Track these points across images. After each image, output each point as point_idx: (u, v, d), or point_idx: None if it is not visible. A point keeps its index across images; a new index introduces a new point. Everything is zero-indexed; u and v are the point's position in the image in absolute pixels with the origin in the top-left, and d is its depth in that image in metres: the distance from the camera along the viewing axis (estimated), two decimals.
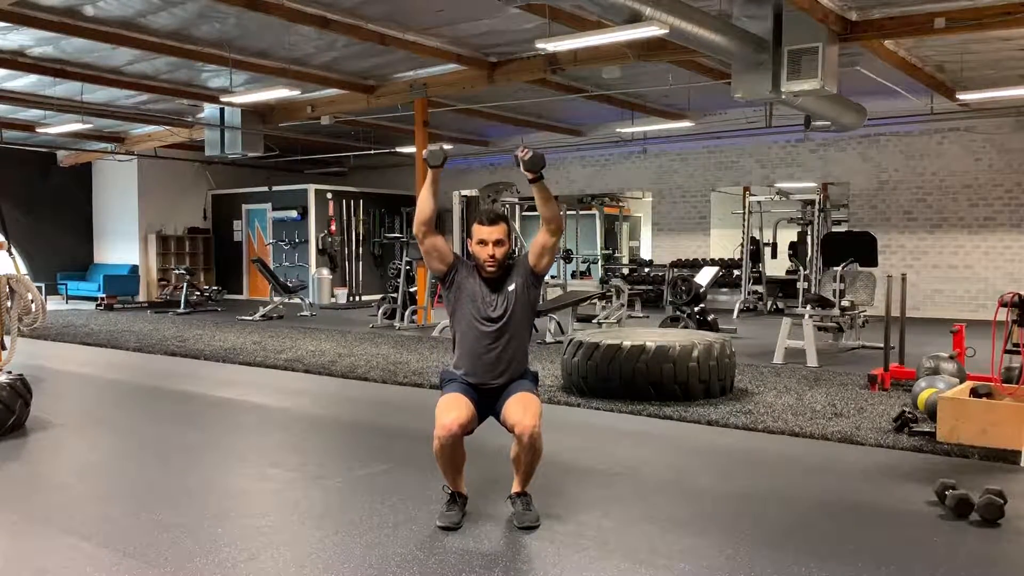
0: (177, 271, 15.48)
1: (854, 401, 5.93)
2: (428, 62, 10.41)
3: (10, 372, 5.37)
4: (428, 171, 3.51)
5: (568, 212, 16.26)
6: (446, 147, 3.66)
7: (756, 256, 13.71)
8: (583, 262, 17.53)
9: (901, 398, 5.93)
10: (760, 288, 13.66)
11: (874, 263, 9.08)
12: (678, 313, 9.41)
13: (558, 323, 9.94)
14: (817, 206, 12.40)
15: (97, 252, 17.66)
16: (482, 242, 3.47)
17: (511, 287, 3.50)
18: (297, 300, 14.07)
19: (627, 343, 5.95)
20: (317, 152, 17.25)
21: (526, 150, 3.42)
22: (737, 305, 12.76)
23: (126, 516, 3.65)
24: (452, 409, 3.35)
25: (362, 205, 17.12)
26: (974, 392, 4.89)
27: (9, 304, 5.77)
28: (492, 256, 3.46)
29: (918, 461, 4.48)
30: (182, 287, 14.53)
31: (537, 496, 3.57)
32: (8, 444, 4.91)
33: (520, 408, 3.36)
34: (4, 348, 5.77)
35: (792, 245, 14.29)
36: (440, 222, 11.05)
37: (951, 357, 5.91)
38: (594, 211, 16.73)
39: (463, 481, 3.53)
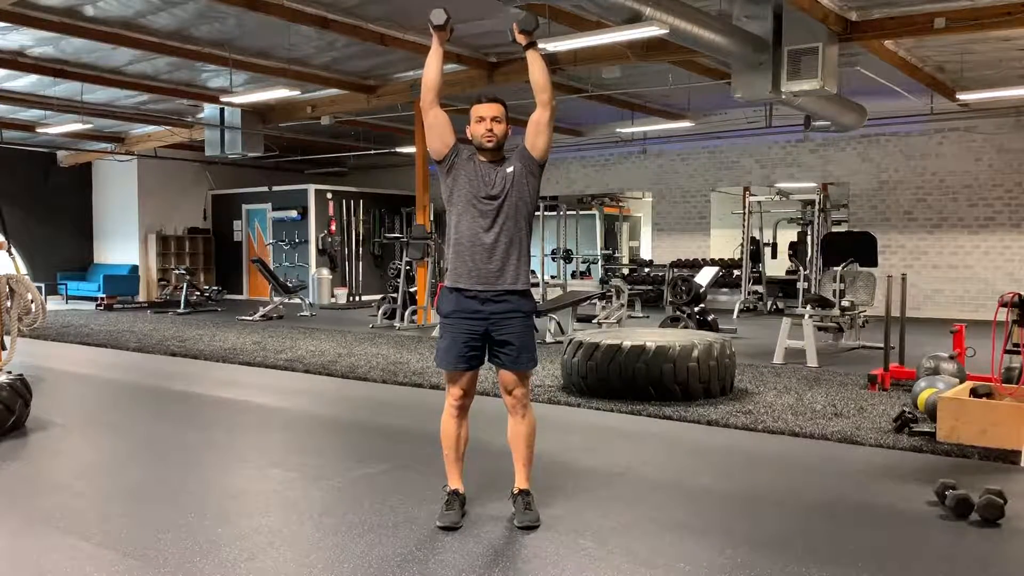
0: (177, 271, 15.48)
1: (854, 401, 5.92)
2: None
3: (10, 372, 5.37)
4: (433, 34, 3.42)
5: (568, 212, 16.26)
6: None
7: (756, 256, 13.72)
8: (583, 262, 17.54)
9: (901, 398, 5.93)
10: (760, 288, 13.67)
11: (874, 263, 9.09)
12: (678, 313, 9.41)
13: (558, 323, 9.94)
14: (817, 206, 12.41)
15: (97, 252, 17.66)
16: (480, 119, 3.40)
17: (510, 169, 3.43)
18: (297, 300, 14.07)
19: (627, 343, 5.95)
20: (317, 152, 17.25)
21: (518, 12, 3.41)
22: (737, 305, 12.76)
23: (126, 516, 3.65)
24: (456, 380, 3.49)
25: (362, 205, 17.12)
26: (974, 392, 4.89)
27: (9, 304, 5.77)
28: (490, 131, 3.39)
29: (918, 461, 4.48)
30: (182, 287, 14.53)
31: (537, 496, 3.57)
32: (8, 444, 4.91)
33: (513, 379, 3.47)
34: (4, 348, 5.77)
35: (792, 245, 14.29)
36: (440, 222, 11.00)
37: (951, 357, 5.91)
38: (594, 211, 16.74)
39: (461, 473, 3.55)
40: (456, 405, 3.50)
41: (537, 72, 3.38)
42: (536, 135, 3.44)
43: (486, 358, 3.50)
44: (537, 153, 3.46)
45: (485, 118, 3.39)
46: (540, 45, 7.69)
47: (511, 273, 3.42)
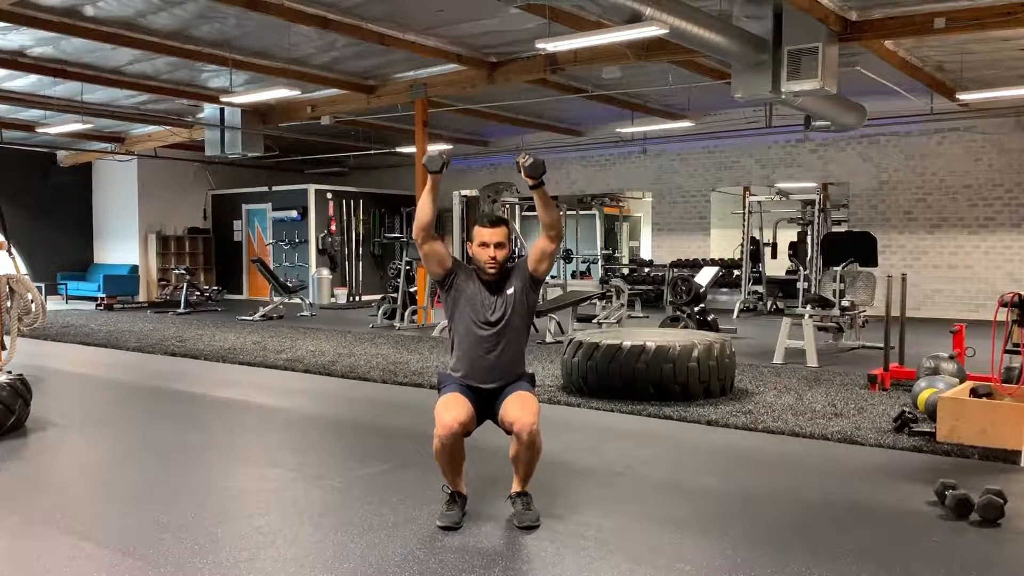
0: (177, 271, 15.49)
1: (854, 401, 5.92)
2: (428, 62, 10.41)
3: (10, 372, 5.37)
4: (428, 177, 3.52)
5: (568, 212, 16.25)
6: (445, 148, 3.65)
7: (756, 256, 13.71)
8: (583, 262, 17.53)
9: (901, 398, 5.93)
10: (760, 288, 13.66)
11: (874, 263, 9.08)
12: (678, 313, 9.41)
13: (558, 323, 9.94)
14: (817, 206, 12.40)
15: (97, 252, 17.66)
16: (483, 244, 3.49)
17: (510, 291, 3.52)
18: (297, 300, 14.07)
19: (627, 343, 5.95)
20: (317, 152, 17.24)
21: (527, 156, 3.44)
22: (737, 305, 12.76)
23: (126, 516, 3.65)
24: (452, 408, 3.37)
25: (362, 205, 17.12)
26: (974, 392, 4.89)
27: (9, 304, 5.77)
28: (493, 258, 3.49)
29: (918, 461, 4.48)
30: (182, 287, 14.53)
31: (537, 496, 3.57)
32: (8, 444, 4.91)
33: (518, 406, 3.38)
34: (4, 348, 5.77)
35: (792, 245, 14.29)
36: (440, 223, 11.03)
37: (951, 357, 5.91)
38: (594, 211, 16.72)
39: (463, 481, 3.53)
40: (446, 435, 3.28)
41: (545, 213, 3.49)
42: (540, 261, 3.56)
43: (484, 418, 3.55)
44: (539, 275, 3.60)
45: (489, 244, 3.48)
46: (540, 45, 7.71)
47: (512, 372, 3.56)
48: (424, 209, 3.50)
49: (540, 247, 3.54)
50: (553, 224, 3.50)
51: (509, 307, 3.51)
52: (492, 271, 3.51)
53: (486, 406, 3.52)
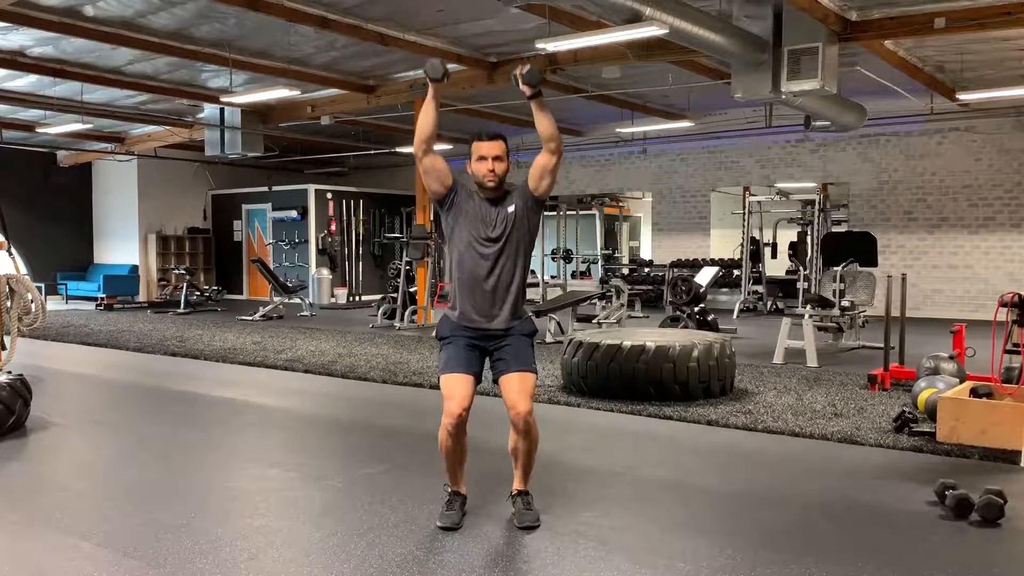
0: (177, 271, 15.48)
1: (854, 401, 5.92)
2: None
3: (10, 372, 5.37)
4: (430, 86, 3.41)
5: (568, 212, 16.26)
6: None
7: (756, 256, 13.71)
8: (583, 262, 17.53)
9: (901, 398, 5.93)
10: (760, 288, 13.66)
11: (874, 263, 9.08)
12: (678, 313, 9.41)
13: (558, 323, 9.94)
14: (817, 206, 12.40)
15: (97, 252, 17.65)
16: (482, 158, 3.40)
17: (511, 208, 3.44)
18: (297, 300, 14.07)
19: (627, 343, 5.95)
20: (317, 152, 17.24)
21: (523, 65, 3.39)
22: (737, 305, 12.76)
23: (126, 516, 3.65)
24: (455, 394, 3.36)
25: (362, 205, 17.12)
26: (974, 392, 4.89)
27: (9, 304, 5.76)
28: (492, 171, 3.39)
29: (918, 461, 4.48)
30: (182, 287, 14.53)
31: (537, 496, 3.57)
32: (8, 444, 4.91)
33: (516, 389, 3.38)
34: (4, 348, 5.77)
35: (792, 245, 14.29)
36: (440, 222, 11.04)
37: (951, 357, 5.91)
38: (594, 211, 16.73)
39: (463, 478, 3.54)
40: (452, 423, 3.34)
41: (544, 124, 3.39)
42: (540, 178, 3.44)
43: (484, 372, 3.51)
44: (539, 194, 3.47)
45: (487, 157, 3.40)
46: (540, 45, 7.70)
47: (509, 310, 3.46)
48: (424, 121, 3.40)
49: (540, 163, 3.44)
50: (552, 136, 3.37)
51: (510, 224, 3.42)
52: (491, 184, 3.41)
53: (486, 353, 3.46)
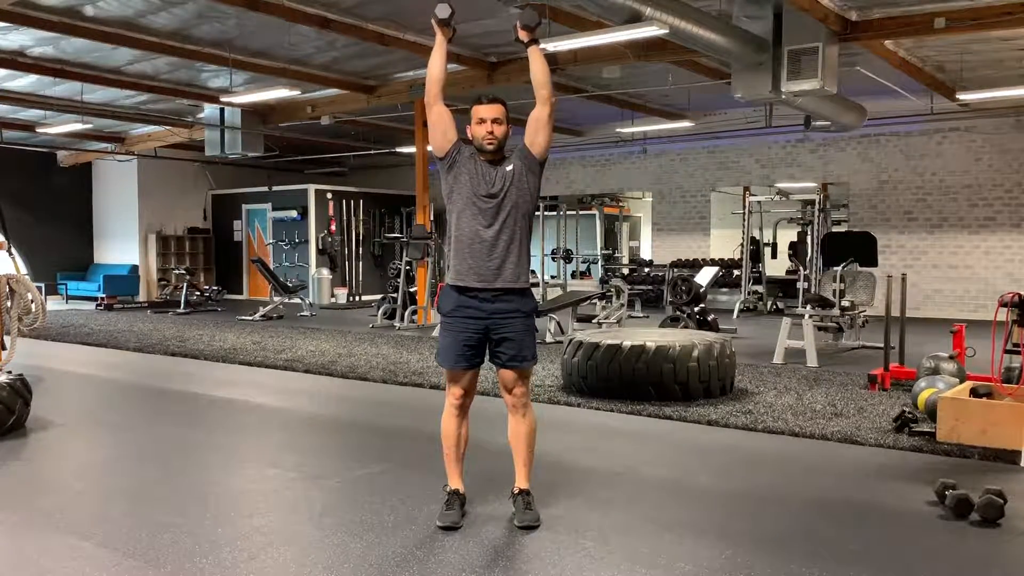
0: (177, 271, 15.47)
1: (854, 401, 5.92)
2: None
3: (10, 372, 5.37)
4: (437, 29, 3.42)
5: (568, 212, 16.26)
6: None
7: (756, 256, 13.71)
8: (583, 262, 17.54)
9: (901, 398, 5.93)
10: (760, 288, 13.66)
11: (874, 263, 9.08)
12: (678, 313, 9.41)
13: (558, 323, 9.94)
14: (817, 206, 12.41)
15: (97, 252, 17.66)
16: (481, 120, 3.39)
17: (509, 167, 3.43)
18: (297, 300, 14.07)
19: (627, 343, 5.95)
20: (317, 152, 17.25)
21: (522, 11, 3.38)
22: (737, 305, 12.76)
23: (126, 516, 3.65)
24: (457, 379, 3.50)
25: (362, 205, 17.12)
26: (974, 392, 4.89)
27: (9, 304, 5.77)
28: (491, 133, 3.38)
29: (918, 461, 4.48)
30: (182, 287, 14.53)
31: (537, 496, 3.57)
32: (8, 444, 4.91)
33: (513, 377, 3.48)
34: (4, 348, 5.77)
35: (792, 245, 14.30)
36: (440, 222, 10.98)
37: (951, 357, 5.91)
38: (594, 211, 16.74)
39: (461, 473, 3.55)
40: (456, 404, 3.51)
41: (537, 68, 3.39)
42: (536, 132, 3.43)
43: (486, 357, 3.51)
44: (537, 150, 3.45)
45: (486, 119, 3.39)
46: (540, 45, 7.70)
47: (510, 271, 3.42)
48: (434, 65, 3.41)
49: (533, 116, 3.41)
50: (544, 82, 3.36)
51: (508, 181, 3.41)
52: (491, 147, 3.40)
53: (487, 330, 3.44)
